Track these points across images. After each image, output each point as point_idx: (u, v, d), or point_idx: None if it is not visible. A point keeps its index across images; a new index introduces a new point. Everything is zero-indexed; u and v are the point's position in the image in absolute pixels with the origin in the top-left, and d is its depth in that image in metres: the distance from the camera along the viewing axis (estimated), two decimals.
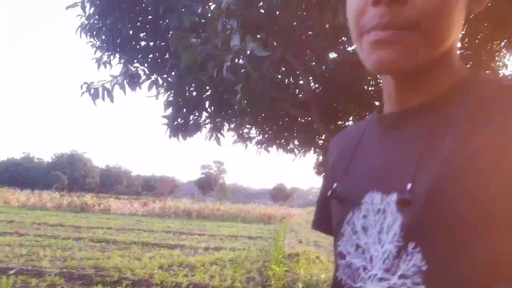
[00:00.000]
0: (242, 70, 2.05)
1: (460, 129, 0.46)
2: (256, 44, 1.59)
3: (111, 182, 67.55)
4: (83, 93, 3.93)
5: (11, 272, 5.58)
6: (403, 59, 0.46)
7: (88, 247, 8.77)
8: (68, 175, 59.97)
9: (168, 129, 4.26)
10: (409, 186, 0.45)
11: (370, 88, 4.48)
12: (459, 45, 2.86)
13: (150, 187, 73.40)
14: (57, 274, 5.57)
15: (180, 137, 4.32)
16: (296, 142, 5.76)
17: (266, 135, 5.50)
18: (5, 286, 4.73)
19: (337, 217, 0.58)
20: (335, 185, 0.58)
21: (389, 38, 0.45)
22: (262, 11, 1.94)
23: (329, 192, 0.58)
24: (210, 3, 2.37)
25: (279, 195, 68.24)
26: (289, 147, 5.87)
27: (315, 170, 6.52)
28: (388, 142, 0.54)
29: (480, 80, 0.50)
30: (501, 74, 5.13)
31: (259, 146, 6.15)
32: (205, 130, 4.62)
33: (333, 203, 0.60)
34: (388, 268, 0.46)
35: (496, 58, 4.82)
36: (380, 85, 0.50)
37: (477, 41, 2.50)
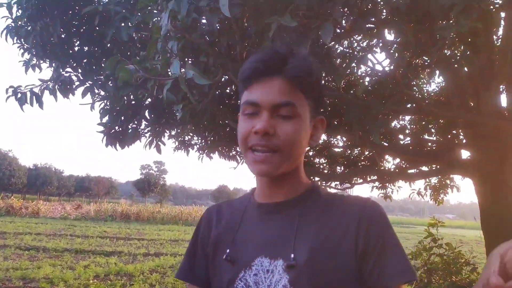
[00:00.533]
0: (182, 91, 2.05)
1: (317, 220, 0.76)
2: (195, 71, 1.61)
3: (40, 183, 62.68)
4: (8, 97, 3.67)
5: None
6: (272, 170, 0.75)
7: (15, 255, 8.20)
8: None
9: (105, 138, 4.09)
10: (292, 255, 0.71)
11: None
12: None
13: (84, 188, 69.21)
14: None
15: (117, 145, 4.18)
16: (238, 149, 5.84)
17: (208, 143, 5.50)
18: None
19: (228, 275, 0.78)
20: (227, 251, 0.79)
21: (264, 159, 0.74)
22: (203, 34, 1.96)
23: (224, 256, 0.79)
24: (150, 19, 2.33)
25: (222, 196, 68.06)
26: (231, 154, 5.93)
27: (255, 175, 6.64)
28: (269, 223, 0.79)
29: (321, 190, 0.82)
30: (425, 89, 5.69)
31: (201, 152, 6.13)
32: (145, 138, 4.52)
33: (225, 265, 0.79)
34: None
35: (421, 76, 5.32)
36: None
37: (401, 70, 2.76)
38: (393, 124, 5.37)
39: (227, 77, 3.61)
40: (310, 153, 6.26)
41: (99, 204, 27.04)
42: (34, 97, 3.70)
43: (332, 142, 6.32)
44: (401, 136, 5.25)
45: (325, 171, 6.33)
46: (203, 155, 6.34)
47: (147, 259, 8.57)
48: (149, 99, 4.13)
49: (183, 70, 1.69)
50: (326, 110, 4.84)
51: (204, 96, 2.21)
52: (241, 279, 0.75)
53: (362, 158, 6.15)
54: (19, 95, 3.64)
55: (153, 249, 10.16)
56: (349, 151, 6.24)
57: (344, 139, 5.81)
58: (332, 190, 5.97)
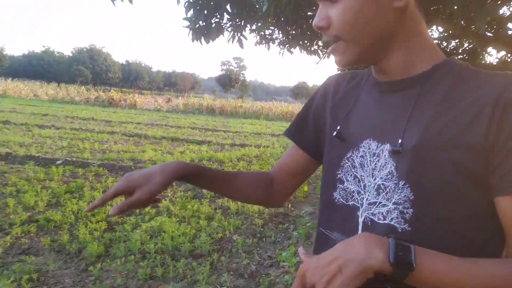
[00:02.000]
0: None
1: (439, 102, 0.65)
2: None
3: (133, 78, 68.21)
4: None
5: (58, 162, 6.21)
6: (346, 60, 0.69)
7: (122, 140, 9.37)
8: (90, 70, 60.52)
9: (190, 32, 4.24)
10: (400, 140, 0.65)
11: None
12: None
13: (172, 83, 73.95)
14: (100, 165, 6.18)
15: (202, 40, 4.32)
16: (320, 43, 5.64)
17: (290, 37, 5.37)
18: (56, 175, 5.32)
19: (337, 152, 0.77)
20: (338, 127, 0.77)
21: (333, 49, 0.70)
22: None
23: (334, 133, 0.77)
24: None
25: (301, 92, 67.86)
26: (312, 49, 5.78)
27: (339, 70, 6.47)
28: (383, 103, 0.72)
29: (456, 66, 0.68)
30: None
31: (281, 47, 6.06)
32: (228, 32, 4.57)
33: (335, 141, 0.78)
34: (387, 198, 0.66)
35: None
36: None
37: None
38: (501, 11, 4.64)
39: None
40: None
41: (186, 98, 28.99)
42: None
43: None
44: (510, 25, 4.56)
45: None
46: (284, 50, 6.26)
47: (234, 148, 9.30)
48: None
49: None
50: None
51: None
52: (348, 158, 0.74)
53: (460, 51, 5.56)
54: None
55: (238, 140, 10.94)
56: (445, 43, 5.65)
57: (441, 29, 5.23)
58: None
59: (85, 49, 62.84)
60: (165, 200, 4.51)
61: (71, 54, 63.31)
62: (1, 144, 7.57)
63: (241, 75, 69.34)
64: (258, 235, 3.74)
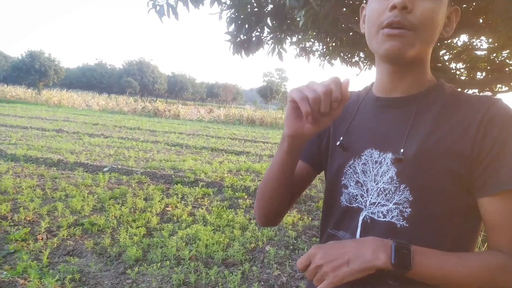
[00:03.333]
0: None
1: (434, 118, 0.75)
2: None
3: (178, 89, 70.53)
4: (149, 10, 4.09)
5: (105, 169, 6.56)
6: (404, 48, 0.71)
7: (165, 150, 9.72)
8: (139, 81, 63.42)
9: (231, 46, 4.35)
10: (402, 150, 0.74)
11: None
12: None
13: (214, 94, 75.64)
14: (142, 173, 6.45)
15: (243, 53, 4.42)
16: (361, 54, 5.57)
17: (330, 49, 5.36)
18: (103, 181, 5.62)
19: (340, 160, 0.85)
20: (341, 138, 0.85)
21: (397, 34, 0.70)
22: None
23: (337, 143, 0.85)
24: None
25: None
26: (353, 60, 5.72)
27: None
28: (384, 117, 0.81)
29: (446, 87, 0.79)
30: None
31: (322, 58, 6.05)
32: (268, 45, 4.65)
33: (338, 151, 0.86)
34: (387, 198, 0.75)
35: None
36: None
37: None
38: None
39: None
40: (445, 57, 5.61)
41: (227, 109, 29.48)
42: (170, 8, 4.07)
43: (474, 44, 5.49)
44: None
45: (462, 78, 5.66)
46: (324, 62, 6.25)
47: (272, 160, 9.32)
48: (271, 6, 4.14)
49: None
50: (470, 5, 4.15)
51: (327, 0, 2.15)
52: (350, 166, 0.82)
53: (511, 62, 5.26)
54: (158, 7, 4.04)
55: None
56: (494, 55, 5.37)
57: (490, 40, 4.99)
58: None
59: (134, 62, 66.02)
60: (201, 209, 4.60)
61: (121, 67, 66.75)
62: (54, 151, 8.11)
63: (282, 86, 69.56)
64: (291, 247, 3.71)
